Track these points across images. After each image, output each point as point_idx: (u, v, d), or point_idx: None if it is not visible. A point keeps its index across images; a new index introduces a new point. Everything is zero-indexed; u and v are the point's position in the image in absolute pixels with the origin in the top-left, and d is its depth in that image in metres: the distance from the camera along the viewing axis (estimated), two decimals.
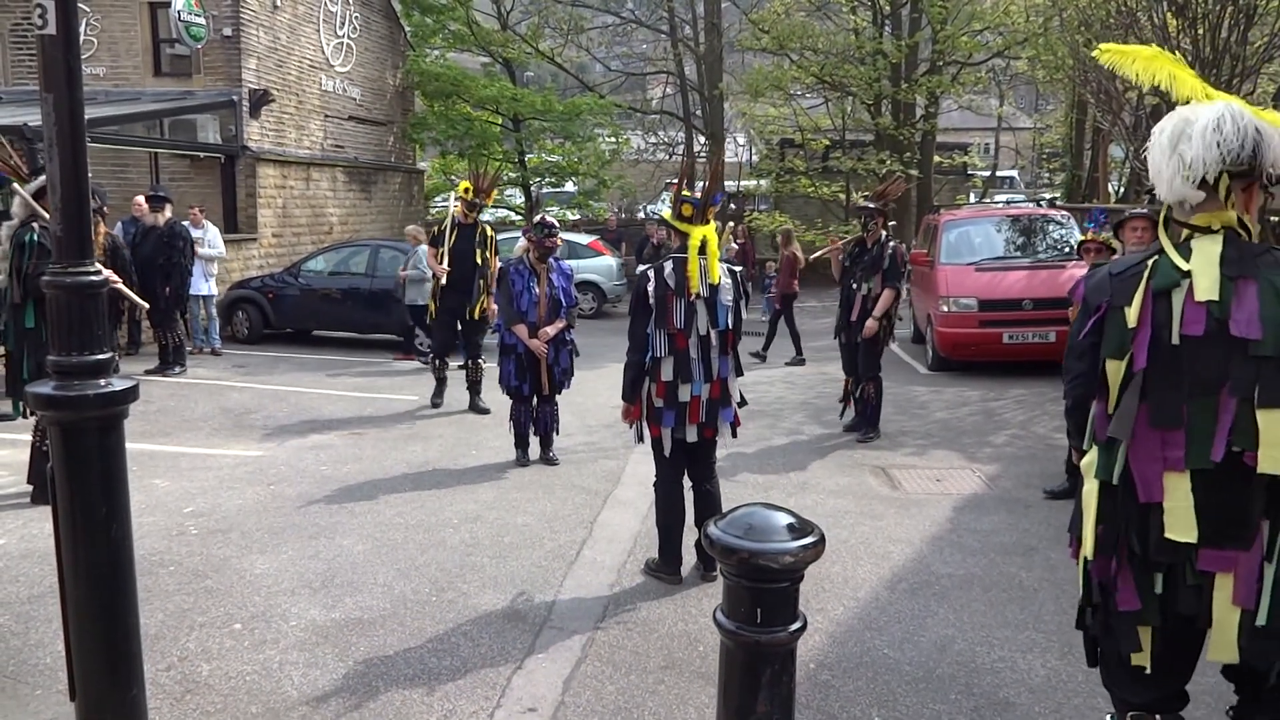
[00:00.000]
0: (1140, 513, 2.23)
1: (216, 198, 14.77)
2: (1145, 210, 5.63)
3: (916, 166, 21.73)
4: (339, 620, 4.21)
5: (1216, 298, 2.15)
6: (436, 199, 24.08)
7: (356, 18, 18.18)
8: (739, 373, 4.69)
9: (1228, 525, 2.16)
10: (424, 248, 11.65)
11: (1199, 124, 2.17)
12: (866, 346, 7.61)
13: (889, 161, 20.51)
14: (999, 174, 32.77)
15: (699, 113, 25.40)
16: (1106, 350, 2.26)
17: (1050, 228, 11.56)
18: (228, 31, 14.60)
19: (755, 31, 22.73)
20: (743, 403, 4.80)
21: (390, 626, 4.15)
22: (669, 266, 4.48)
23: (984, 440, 7.65)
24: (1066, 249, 10.98)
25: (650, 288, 4.45)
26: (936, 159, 24.55)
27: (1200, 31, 11.78)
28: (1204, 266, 2.18)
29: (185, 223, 11.26)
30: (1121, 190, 20.21)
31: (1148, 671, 2.31)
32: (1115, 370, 2.25)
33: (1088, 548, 2.32)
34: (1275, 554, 2.17)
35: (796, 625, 2.20)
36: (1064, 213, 12.07)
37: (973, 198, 26.39)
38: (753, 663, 2.17)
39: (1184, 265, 2.21)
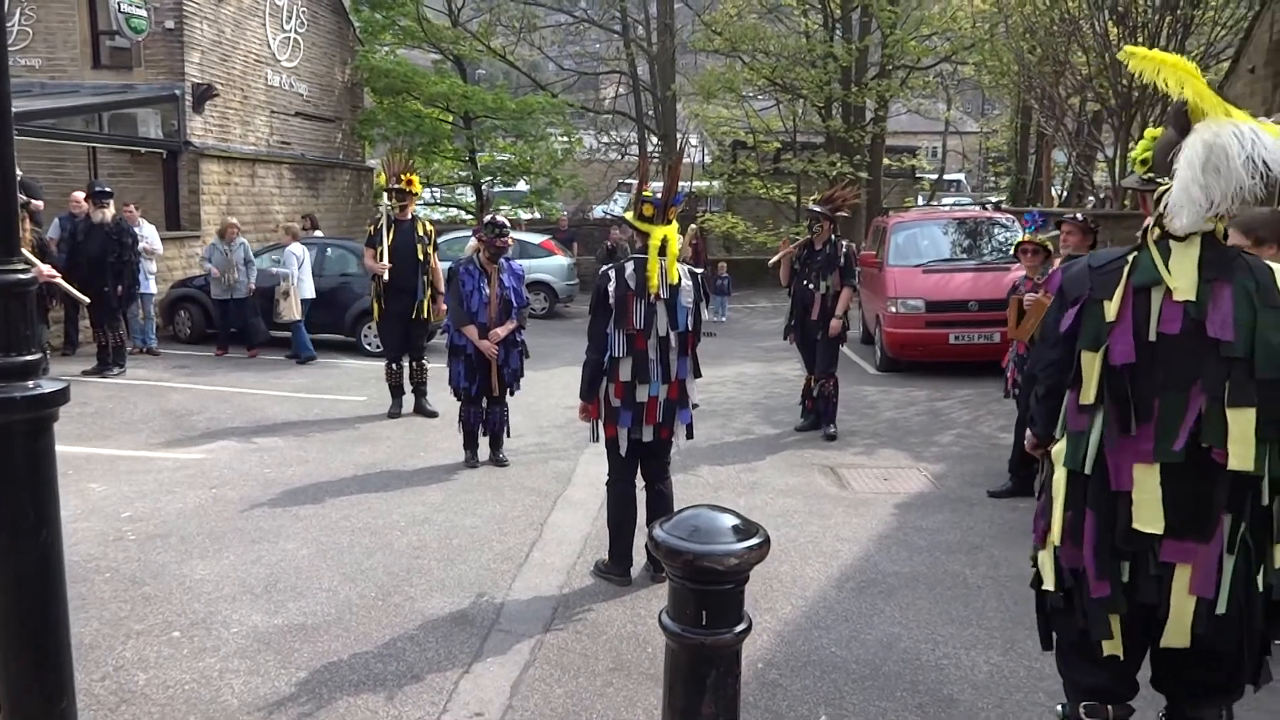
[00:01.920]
0: (1109, 501, 2.29)
1: (158, 194, 14.42)
2: (1076, 215, 5.79)
3: (866, 169, 21.96)
4: (282, 626, 4.13)
5: (1194, 298, 2.23)
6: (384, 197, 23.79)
7: (304, 12, 17.89)
8: (697, 374, 4.70)
9: (1191, 518, 2.24)
10: (295, 247, 11.63)
11: (1232, 160, 2.15)
12: (828, 344, 7.74)
13: (839, 164, 20.72)
14: (946, 177, 33.32)
15: (652, 113, 25.44)
16: (1083, 342, 2.31)
17: (995, 230, 11.76)
18: (170, 24, 14.27)
19: (708, 33, 22.83)
20: (694, 405, 4.80)
21: (335, 632, 4.09)
22: (630, 267, 4.46)
23: (930, 440, 7.75)
24: (1011, 251, 11.15)
25: (611, 287, 4.43)
26: (885, 162, 24.86)
27: (1140, 40, 12.09)
28: (1183, 267, 2.25)
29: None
30: (1064, 194, 20.64)
31: (1120, 658, 2.37)
32: (1091, 362, 2.30)
33: (1056, 534, 2.37)
34: (1236, 545, 2.26)
35: (741, 627, 2.21)
36: (1008, 216, 12.29)
37: (921, 200, 26.80)
38: (698, 665, 2.17)
39: (1164, 264, 2.27)
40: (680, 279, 4.49)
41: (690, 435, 4.78)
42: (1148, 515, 2.24)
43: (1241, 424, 2.19)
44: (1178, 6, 11.94)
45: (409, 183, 8.17)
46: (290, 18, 17.43)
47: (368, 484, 6.31)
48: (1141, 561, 2.28)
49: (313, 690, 3.58)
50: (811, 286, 7.73)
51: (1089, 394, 2.31)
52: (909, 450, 7.39)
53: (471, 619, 4.24)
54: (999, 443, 7.28)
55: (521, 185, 24.39)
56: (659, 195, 4.49)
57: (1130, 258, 2.32)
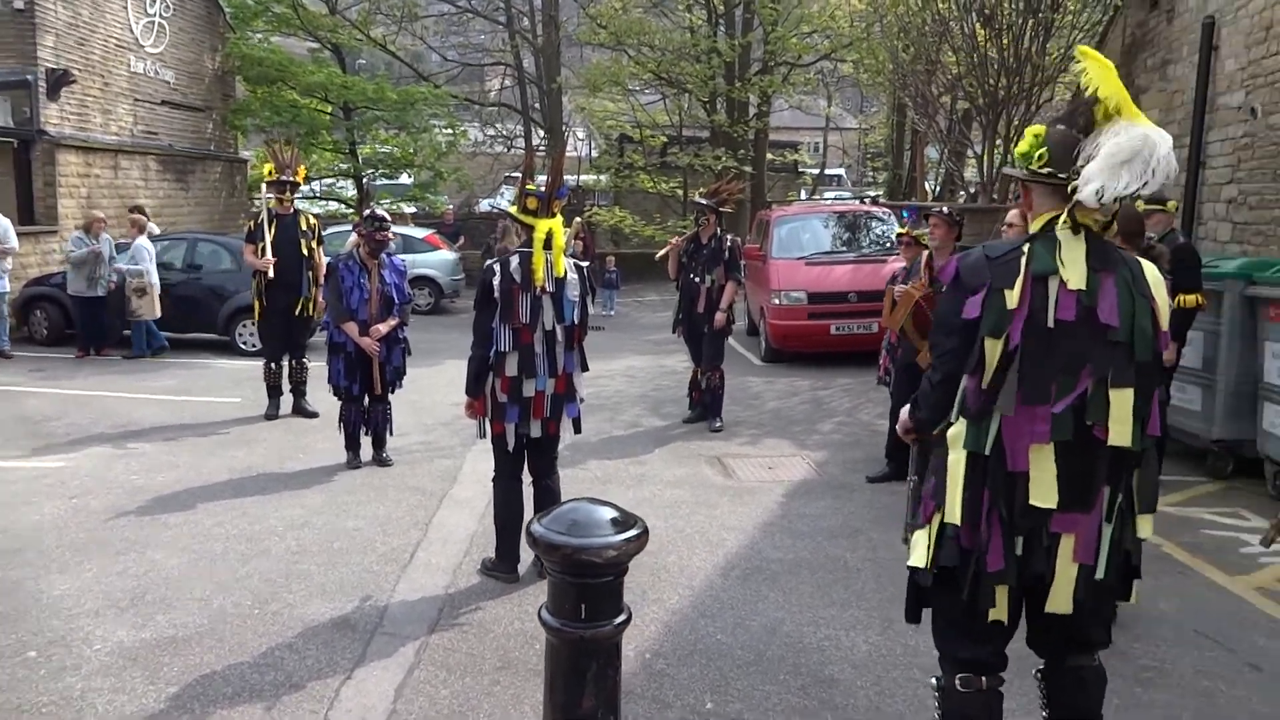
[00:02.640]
0: (1008, 481, 2.41)
1: (10, 186, 13.52)
2: (943, 209, 6.04)
3: (750, 163, 22.35)
4: (149, 640, 3.94)
5: (1085, 287, 2.37)
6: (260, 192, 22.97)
7: None
8: (584, 368, 4.68)
9: (1078, 492, 2.39)
10: (145, 241, 11.21)
11: (1154, 158, 2.30)
12: (714, 337, 7.82)
13: (724, 158, 21.00)
14: (827, 172, 34.15)
15: (537, 106, 25.24)
16: (986, 329, 2.40)
17: (873, 224, 12.13)
18: (19, 4, 13.37)
19: (593, 26, 22.81)
20: (581, 400, 4.79)
21: (207, 644, 3.92)
22: (515, 260, 4.41)
23: (813, 428, 7.95)
24: (888, 244, 11.54)
25: (496, 281, 4.37)
26: (769, 156, 25.34)
27: (1005, 41, 12.63)
28: (1073, 258, 2.40)
29: None
30: (938, 189, 21.44)
31: (1004, 627, 2.50)
32: (993, 348, 2.40)
33: (955, 514, 2.45)
34: (1114, 515, 2.44)
35: (621, 618, 2.21)
36: (885, 210, 12.70)
37: (803, 194, 27.44)
38: (578, 658, 2.17)
39: (1058, 255, 2.40)
40: (566, 272, 4.47)
41: (578, 430, 4.76)
42: (1043, 492, 2.38)
43: (1122, 403, 2.37)
44: (1039, 10, 12.52)
45: (296, 172, 7.98)
46: (154, 1, 16.59)
47: (243, 488, 6.08)
48: (1035, 536, 2.41)
49: (184, 705, 3.43)
50: (697, 280, 7.81)
51: (989, 379, 2.41)
52: (793, 439, 7.56)
53: (354, 623, 4.13)
54: (877, 429, 7.52)
55: (405, 178, 23.86)
56: (543, 188, 4.47)
57: (1026, 248, 2.43)
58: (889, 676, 3.68)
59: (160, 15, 16.79)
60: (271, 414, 8.11)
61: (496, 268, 4.43)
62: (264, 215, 7.94)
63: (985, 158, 13.77)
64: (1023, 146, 2.52)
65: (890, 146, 25.85)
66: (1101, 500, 2.42)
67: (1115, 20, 12.77)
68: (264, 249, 7.83)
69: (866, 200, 15.07)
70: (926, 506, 2.57)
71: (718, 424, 7.86)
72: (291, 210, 8.06)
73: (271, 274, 7.83)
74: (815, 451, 7.15)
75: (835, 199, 22.70)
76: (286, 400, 8.22)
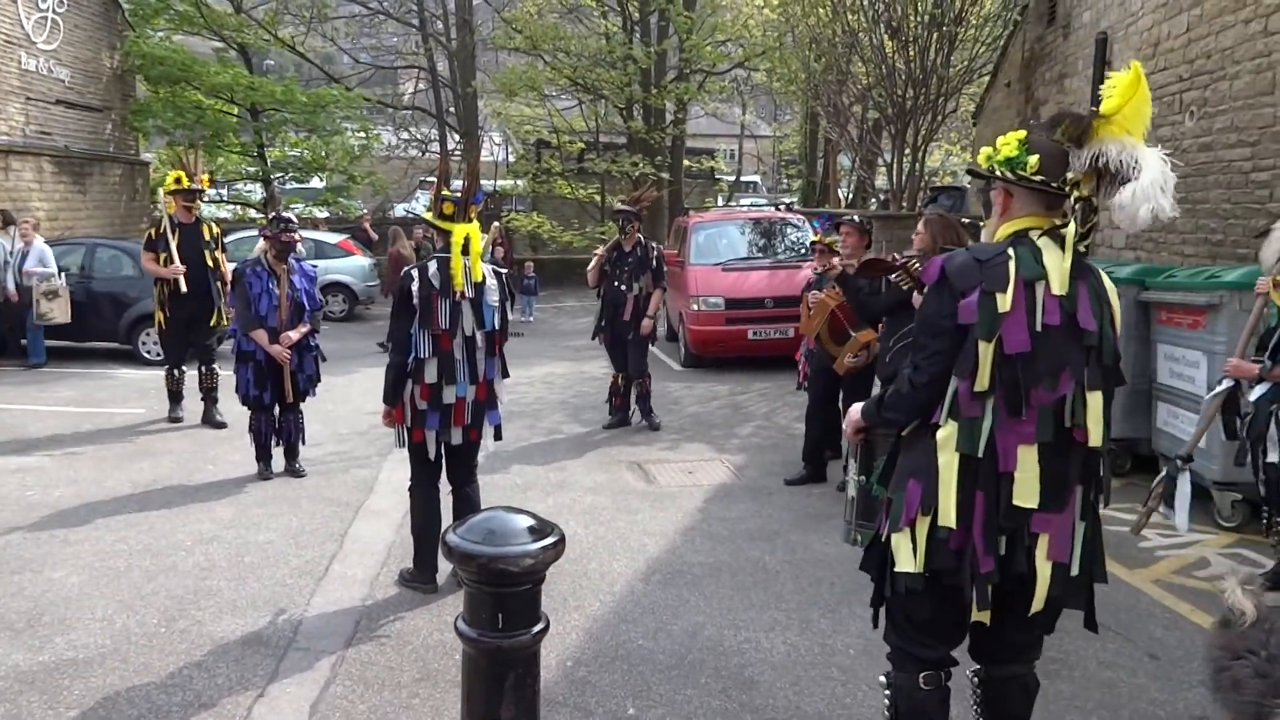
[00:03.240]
0: (997, 482, 2.46)
1: None
2: (854, 218, 6.19)
3: (667, 170, 22.50)
4: (48, 663, 3.77)
5: (1066, 292, 2.46)
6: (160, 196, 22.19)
7: None
8: (505, 374, 4.65)
9: (1054, 491, 2.47)
10: (41, 243, 10.83)
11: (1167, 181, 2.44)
12: (639, 343, 7.90)
13: (641, 164, 21.10)
14: (743, 179, 34.65)
15: (452, 110, 24.98)
16: (979, 332, 2.43)
17: (788, 230, 12.34)
18: None
19: (508, 30, 22.70)
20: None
21: (111, 665, 3.77)
22: (433, 266, 4.37)
23: (732, 432, 8.03)
24: (803, 250, 11.74)
25: (414, 287, 4.31)
26: (686, 163, 25.58)
27: (912, 53, 13.01)
28: (1054, 264, 2.48)
29: None
30: (850, 196, 21.92)
31: (987, 625, 2.55)
32: (985, 351, 2.44)
33: (950, 517, 2.46)
34: (1087, 513, 2.54)
35: (539, 627, 2.20)
36: (800, 216, 12.92)
37: (720, 201, 27.75)
38: (496, 668, 2.15)
39: (1042, 260, 2.47)
40: (485, 278, 4.44)
41: (499, 437, 4.72)
42: (1027, 492, 2.45)
43: (1095, 405, 2.48)
44: (944, 24, 12.93)
45: (203, 180, 7.84)
46: None
47: (148, 502, 5.86)
48: (1017, 536, 2.47)
49: None
50: (624, 288, 7.83)
51: (983, 381, 2.45)
52: (712, 443, 7.63)
53: (266, 639, 4.02)
54: (794, 433, 7.64)
55: (317, 182, 23.34)
56: (459, 194, 4.43)
57: (1010, 253, 2.48)
58: (807, 676, 3.74)
59: (54, 10, 16.09)
60: (176, 416, 7.93)
61: (414, 273, 4.37)
62: (165, 223, 7.71)
63: (895, 166, 14.14)
64: (1007, 151, 2.54)
65: (804, 154, 26.36)
66: (1074, 499, 2.51)
67: (1015, 35, 13.27)
68: (170, 258, 7.60)
69: (782, 207, 15.32)
70: (909, 510, 2.54)
71: (657, 420, 8.06)
72: (194, 218, 7.84)
73: (185, 286, 7.61)
74: (734, 455, 7.23)
75: (751, 206, 23.03)
76: (193, 408, 7.96)
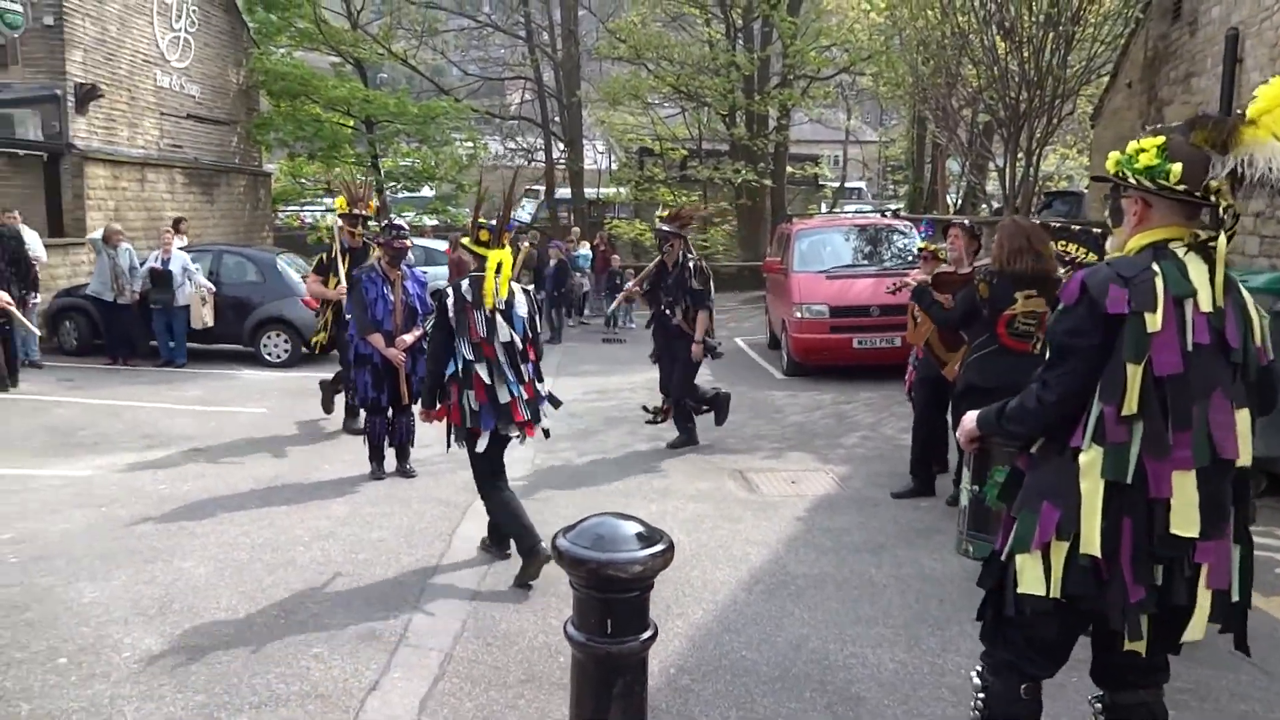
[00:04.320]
0: (1147, 509, 2.35)
1: (39, 199, 13.71)
2: (964, 221, 6.04)
3: (770, 177, 22.36)
4: (177, 649, 3.97)
5: (1213, 309, 2.35)
6: (284, 205, 23.19)
7: (195, 11, 17.27)
8: (540, 379, 4.97)
9: (1214, 517, 2.35)
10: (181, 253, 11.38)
11: None
12: (687, 366, 7.48)
13: (744, 171, 21.02)
14: (847, 185, 34.15)
15: (557, 119, 25.37)
16: (1127, 354, 2.33)
17: (894, 237, 12.10)
18: (49, 20, 13.59)
19: (612, 40, 22.93)
20: (557, 403, 5.12)
21: (234, 653, 3.94)
22: (465, 284, 4.75)
23: (836, 442, 7.91)
24: (910, 257, 11.50)
25: (450, 303, 4.71)
26: (789, 169, 25.36)
27: (1026, 54, 12.60)
28: (1201, 279, 2.37)
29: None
30: (959, 202, 21.36)
31: (1142, 655, 2.45)
32: (1134, 374, 2.33)
33: (1094, 545, 2.36)
34: (1241, 535, 2.43)
35: (647, 634, 2.20)
36: (907, 223, 12.66)
37: (823, 207, 27.41)
38: (604, 674, 2.16)
39: (1189, 275, 2.36)
40: (512, 294, 4.83)
41: (546, 434, 5.11)
42: (1185, 520, 2.32)
43: (1244, 423, 2.37)
44: (1060, 23, 12.48)
45: (368, 205, 7.79)
46: (180, 17, 16.81)
47: (269, 498, 6.12)
48: (1177, 565, 2.35)
49: (211, 714, 3.45)
50: (667, 311, 7.44)
51: (1131, 405, 2.34)
52: (815, 453, 7.53)
53: (379, 634, 4.14)
54: (901, 444, 7.48)
55: (426, 191, 24.03)
56: (494, 222, 4.84)
57: (1156, 268, 2.36)
58: (916, 695, 3.65)
59: (186, 31, 17.01)
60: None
61: (450, 290, 4.76)
62: (336, 248, 7.80)
63: (1007, 170, 13.71)
64: (1146, 159, 2.42)
65: (911, 159, 25.80)
66: (1229, 523, 2.40)
67: (1137, 33, 12.73)
68: (337, 282, 7.69)
69: (887, 213, 15.03)
70: (1043, 532, 2.45)
71: (683, 438, 7.65)
72: (362, 244, 7.81)
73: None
74: (839, 466, 7.12)
75: (856, 212, 22.68)
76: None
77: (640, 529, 2.31)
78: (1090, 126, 17.21)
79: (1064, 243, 5.58)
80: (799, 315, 10.84)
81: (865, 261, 11.68)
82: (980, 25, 13.20)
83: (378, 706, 3.54)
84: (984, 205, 19.08)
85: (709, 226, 23.22)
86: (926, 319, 5.86)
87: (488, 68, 28.16)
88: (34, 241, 11.23)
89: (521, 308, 4.84)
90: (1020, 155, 13.34)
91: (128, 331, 11.55)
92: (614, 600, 2.20)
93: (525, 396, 4.79)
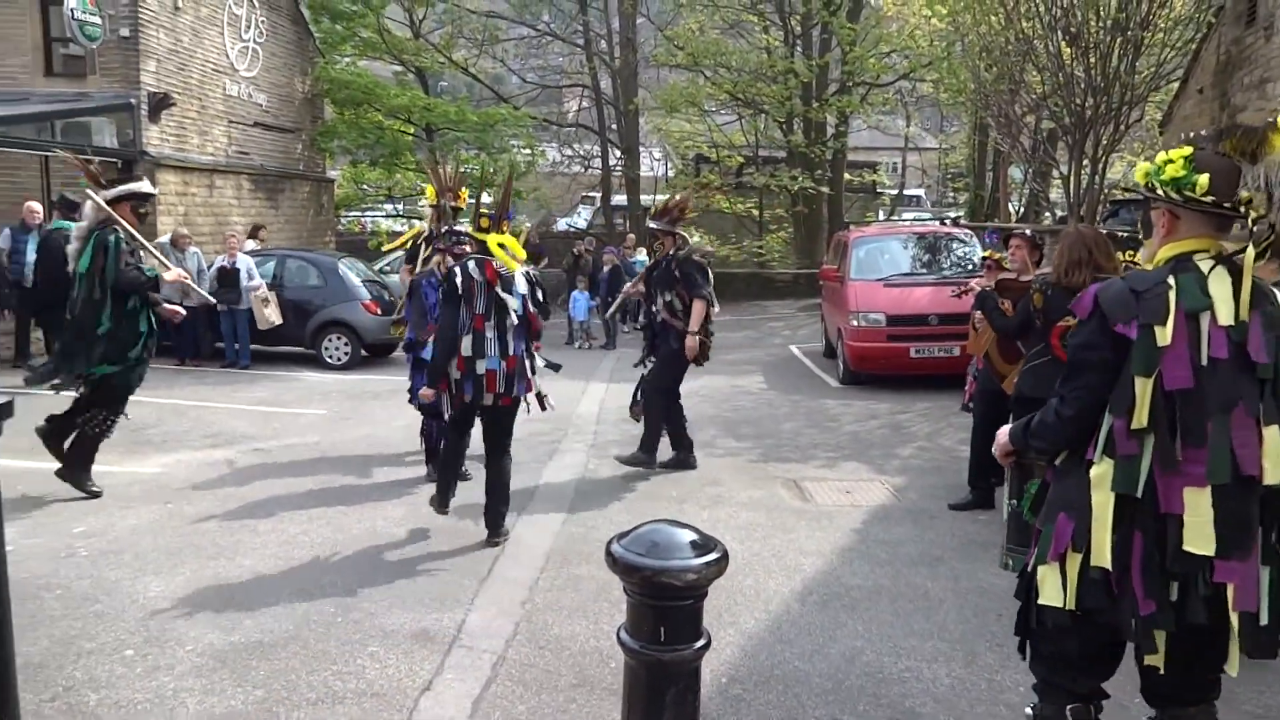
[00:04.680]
0: (1158, 524, 2.32)
1: None
2: (1025, 231, 5.93)
3: (828, 184, 22.20)
4: (238, 644, 4.06)
5: (1235, 322, 2.30)
6: (346, 211, 23.65)
7: (263, 22, 17.72)
8: (531, 355, 5.43)
9: (1237, 536, 2.29)
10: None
11: None
12: (664, 366, 7.02)
13: (801, 178, 20.89)
14: (906, 192, 33.76)
15: (614, 127, 25.50)
16: (1136, 368, 2.31)
17: (954, 245, 11.92)
18: (125, 32, 14.06)
19: (670, 48, 22.98)
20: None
21: (292, 649, 4.02)
22: (472, 263, 5.23)
23: (892, 453, 7.81)
24: (970, 266, 11.33)
25: (459, 280, 5.17)
26: (847, 177, 25.17)
27: (1092, 60, 12.33)
28: (1222, 292, 2.32)
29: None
30: (1021, 210, 20.99)
31: (1160, 672, 2.42)
32: (1144, 388, 2.31)
33: (1104, 558, 2.35)
34: (1270, 557, 2.35)
35: (701, 643, 2.19)
36: (967, 231, 12.47)
37: (881, 215, 27.12)
38: (657, 682, 2.15)
39: (1206, 288, 2.32)
40: (515, 275, 5.31)
41: (543, 406, 5.54)
42: (1200, 537, 2.28)
43: (1274, 440, 2.30)
44: (1128, 28, 12.19)
45: (457, 196, 7.27)
46: (249, 27, 17.26)
47: (327, 498, 6.23)
48: (1191, 583, 2.31)
49: (270, 709, 3.52)
50: (653, 307, 7.07)
51: (1141, 419, 2.32)
52: (871, 463, 7.44)
53: (433, 635, 4.19)
54: (959, 455, 7.36)
55: (485, 198, 24.26)
56: (494, 210, 5.37)
57: (1171, 281, 2.34)
58: (973, 712, 3.58)
59: (254, 41, 17.46)
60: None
61: (458, 269, 5.23)
62: (422, 239, 7.50)
63: (1072, 178, 13.43)
64: (1173, 171, 2.39)
65: (971, 167, 25.44)
66: (1257, 543, 2.34)
67: (1209, 38, 12.39)
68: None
69: (947, 221, 14.81)
70: (1059, 545, 2.45)
71: (640, 456, 7.02)
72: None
73: None
74: (894, 476, 7.03)
75: (914, 220, 22.41)
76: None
77: (695, 537, 2.31)
78: (1159, 133, 16.79)
79: (1131, 253, 5.46)
80: (855, 323, 10.73)
81: (924, 270, 11.53)
82: (1045, 31, 12.96)
83: (430, 706, 3.58)
84: (1047, 213, 18.71)
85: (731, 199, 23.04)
86: (987, 328, 5.77)
87: (546, 76, 28.43)
88: None
89: (521, 285, 5.31)
90: (1085, 163, 13.06)
91: (194, 333, 11.87)
92: (668, 608, 2.20)
93: (505, 369, 5.22)
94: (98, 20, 13.69)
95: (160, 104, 14.49)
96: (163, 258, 6.28)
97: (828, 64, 22.53)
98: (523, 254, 5.40)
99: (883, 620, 4.40)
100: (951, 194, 33.85)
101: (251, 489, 6.42)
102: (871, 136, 31.35)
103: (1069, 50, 12.70)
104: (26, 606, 4.27)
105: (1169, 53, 12.90)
